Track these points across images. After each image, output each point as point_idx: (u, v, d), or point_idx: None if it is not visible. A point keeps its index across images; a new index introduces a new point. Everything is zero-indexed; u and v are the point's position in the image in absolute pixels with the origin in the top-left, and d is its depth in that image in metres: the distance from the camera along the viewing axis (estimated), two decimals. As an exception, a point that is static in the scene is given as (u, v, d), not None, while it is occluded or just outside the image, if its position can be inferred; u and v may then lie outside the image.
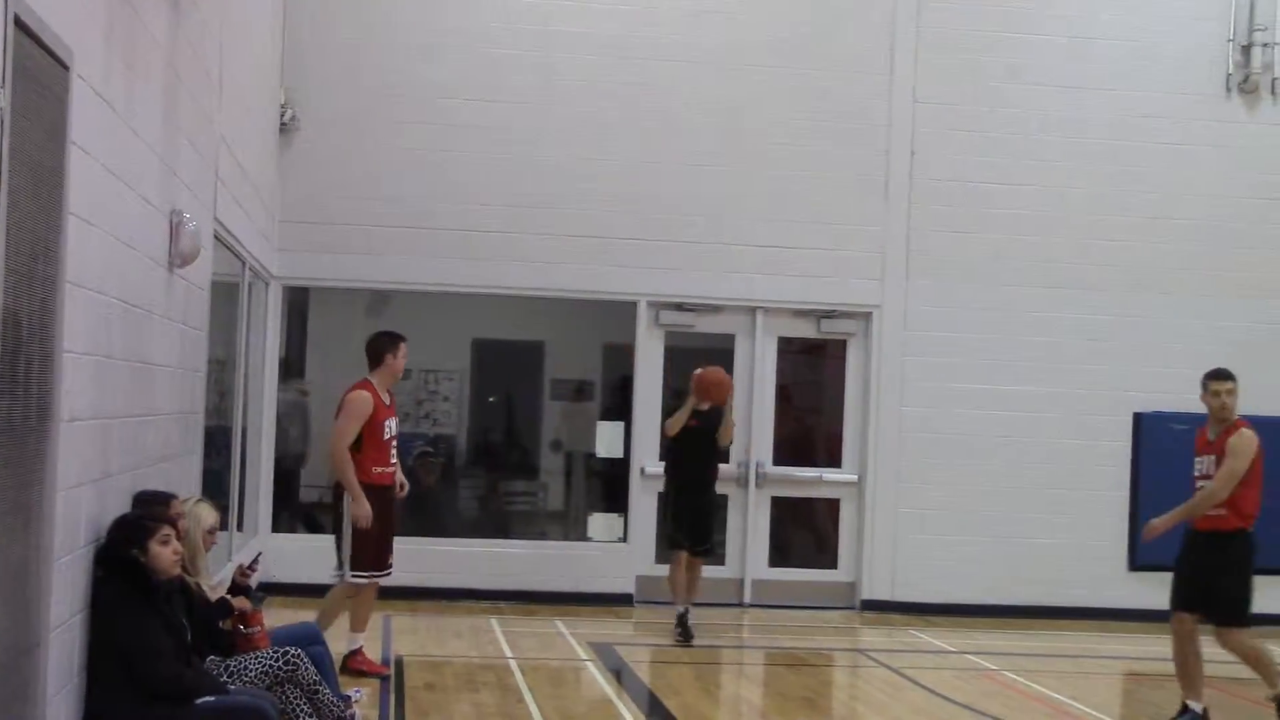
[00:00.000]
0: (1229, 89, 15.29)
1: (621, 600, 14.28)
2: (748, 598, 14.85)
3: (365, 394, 10.22)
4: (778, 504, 15.08)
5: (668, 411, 13.55)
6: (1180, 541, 9.89)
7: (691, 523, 12.74)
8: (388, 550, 10.43)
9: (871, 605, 14.82)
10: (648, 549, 14.63)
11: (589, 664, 11.62)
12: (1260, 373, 15.08)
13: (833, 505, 15.20)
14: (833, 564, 15.12)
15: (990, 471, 14.89)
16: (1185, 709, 9.74)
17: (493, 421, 17.50)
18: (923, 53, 15.00)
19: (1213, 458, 9.69)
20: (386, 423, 10.34)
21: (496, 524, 16.24)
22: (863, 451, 15.03)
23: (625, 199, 14.61)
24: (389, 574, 10.50)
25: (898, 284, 14.97)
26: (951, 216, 14.99)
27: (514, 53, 14.54)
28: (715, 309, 14.96)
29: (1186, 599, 9.77)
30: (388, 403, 10.43)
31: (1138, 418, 14.89)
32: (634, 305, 14.79)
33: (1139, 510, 14.17)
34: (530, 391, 17.41)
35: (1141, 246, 15.13)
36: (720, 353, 14.88)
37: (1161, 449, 14.32)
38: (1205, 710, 9.77)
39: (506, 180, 14.48)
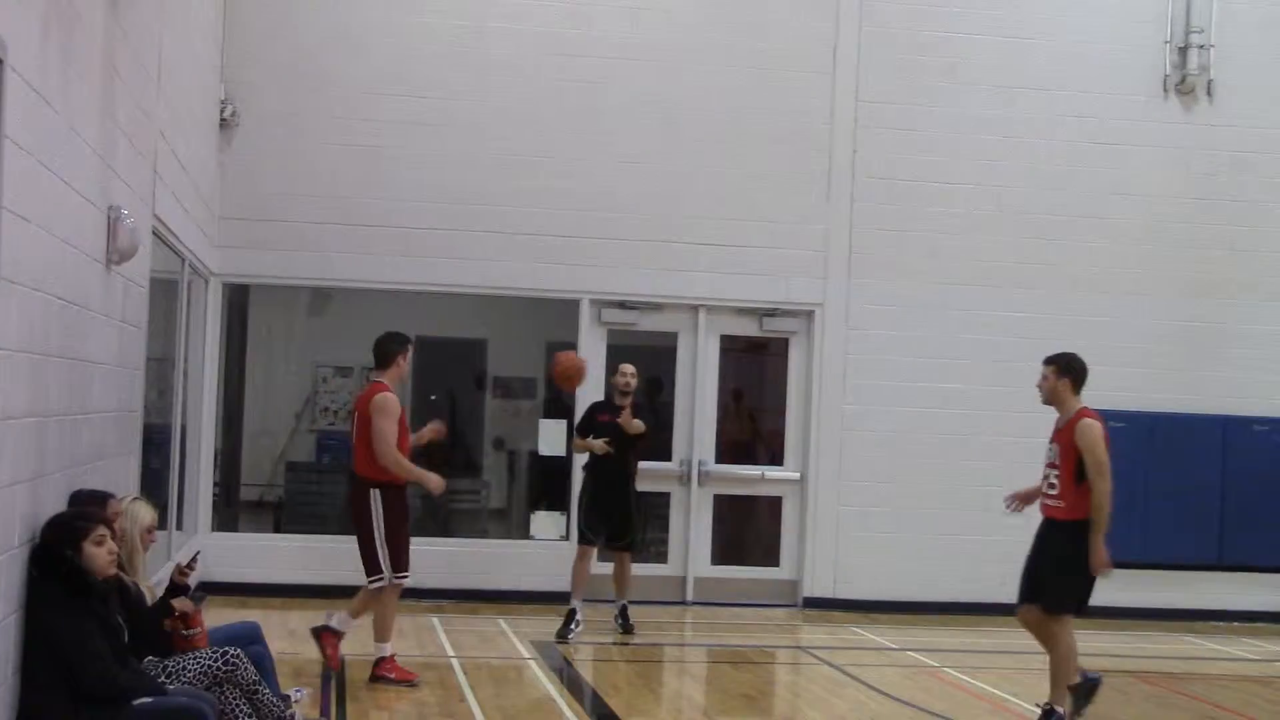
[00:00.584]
0: (1166, 90, 15.45)
1: (563, 599, 14.21)
2: (690, 596, 14.86)
3: (392, 394, 10.27)
4: (720, 502, 15.11)
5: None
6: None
7: (611, 518, 12.73)
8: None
9: (813, 603, 14.87)
10: (590, 547, 14.62)
11: (531, 662, 11.60)
12: (1197, 370, 15.33)
13: (775, 503, 15.23)
14: (775, 562, 15.15)
15: (932, 469, 14.96)
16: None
17: (434, 419, 17.42)
18: (865, 52, 15.06)
19: (1056, 446, 9.53)
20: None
21: (438, 522, 16.17)
22: (805, 449, 15.07)
23: (568, 196, 14.58)
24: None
25: (840, 282, 15.02)
26: (894, 215, 15.06)
27: (457, 49, 14.49)
28: (657, 307, 14.95)
29: (1022, 590, 9.57)
30: None
31: (1076, 415, 14.97)
32: (576, 303, 14.77)
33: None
34: (472, 389, 17.38)
35: (1081, 246, 15.26)
36: (663, 350, 14.90)
37: (1099, 447, 14.38)
38: (1098, 676, 9.54)
39: (449, 177, 14.42)
